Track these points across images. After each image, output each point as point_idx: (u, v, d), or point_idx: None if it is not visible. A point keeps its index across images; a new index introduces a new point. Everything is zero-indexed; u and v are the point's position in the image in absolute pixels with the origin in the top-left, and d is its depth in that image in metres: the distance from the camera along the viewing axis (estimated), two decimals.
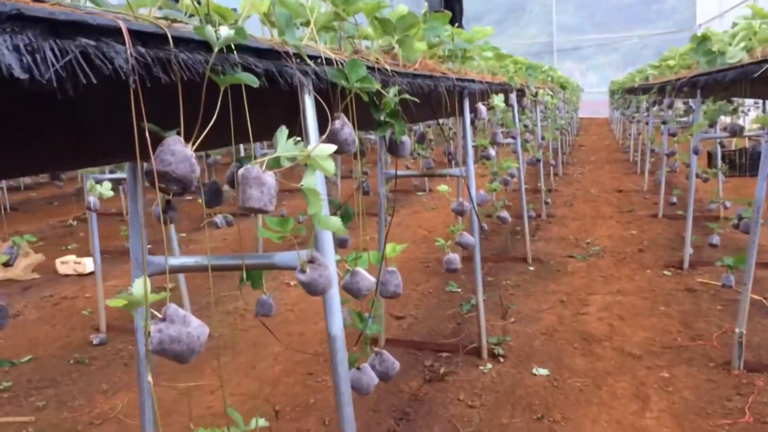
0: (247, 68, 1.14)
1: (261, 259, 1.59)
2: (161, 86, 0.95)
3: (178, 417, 3.16)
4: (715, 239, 4.67)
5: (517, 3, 24.32)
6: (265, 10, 1.43)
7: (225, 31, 1.03)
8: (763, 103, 5.75)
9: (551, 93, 8.50)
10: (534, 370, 3.45)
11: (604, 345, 3.77)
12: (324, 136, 1.31)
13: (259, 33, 1.41)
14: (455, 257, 2.95)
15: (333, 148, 1.29)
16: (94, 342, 4.16)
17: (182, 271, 1.57)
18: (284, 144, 1.25)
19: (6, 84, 0.68)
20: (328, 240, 1.54)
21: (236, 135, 1.35)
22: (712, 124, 4.76)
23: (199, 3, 1.10)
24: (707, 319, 4.09)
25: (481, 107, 3.60)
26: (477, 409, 3.08)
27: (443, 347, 3.82)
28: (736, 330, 3.30)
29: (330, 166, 1.28)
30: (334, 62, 1.53)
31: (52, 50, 0.74)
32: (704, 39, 3.91)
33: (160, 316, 0.94)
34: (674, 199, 7.06)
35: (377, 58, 1.94)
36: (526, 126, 6.81)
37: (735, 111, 4.66)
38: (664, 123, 6.86)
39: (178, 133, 0.99)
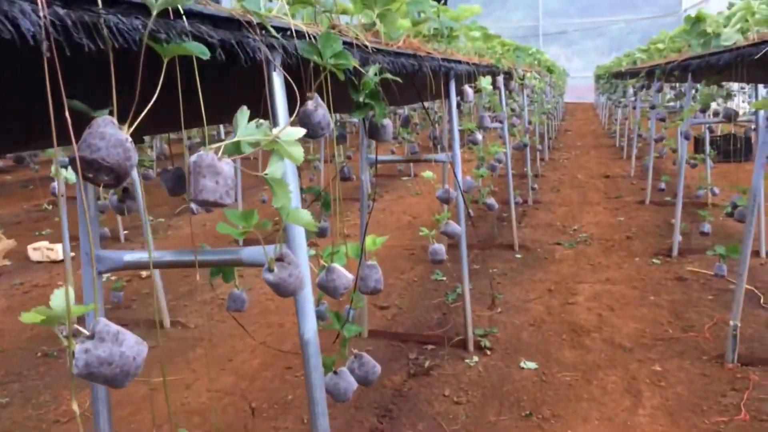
0: (198, 38, 0.98)
1: (226, 255, 1.43)
2: (93, 57, 0.79)
3: (148, 414, 3.01)
4: (707, 227, 4.57)
5: None
6: None
7: None
8: (756, 88, 5.64)
9: (538, 76, 8.35)
10: (522, 364, 3.33)
11: (594, 337, 3.65)
12: (292, 118, 1.14)
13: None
14: (441, 248, 2.80)
15: (301, 131, 1.13)
16: (64, 333, 3.97)
17: (138, 268, 1.41)
18: (245, 127, 1.09)
19: None
20: (299, 234, 1.39)
21: (194, 118, 1.20)
22: (705, 109, 4.63)
23: None
24: (698, 309, 3.99)
25: (468, 89, 3.44)
26: (463, 406, 2.95)
27: (428, 339, 3.69)
28: (731, 323, 3.19)
29: (298, 152, 1.12)
30: (306, 36, 1.37)
31: None
32: (698, 20, 3.77)
33: (86, 333, 0.78)
34: (663, 186, 6.96)
35: (356, 35, 1.78)
36: (513, 110, 6.66)
37: (729, 95, 4.53)
38: (652, 108, 6.73)
39: (111, 114, 0.83)
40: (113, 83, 0.81)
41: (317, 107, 1.40)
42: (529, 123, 7.91)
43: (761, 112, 4.16)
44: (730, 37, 3.38)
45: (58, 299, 0.76)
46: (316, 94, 1.43)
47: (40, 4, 0.70)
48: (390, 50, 1.99)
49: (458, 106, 5.03)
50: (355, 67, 1.70)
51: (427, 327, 3.91)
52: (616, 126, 13.27)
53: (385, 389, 3.12)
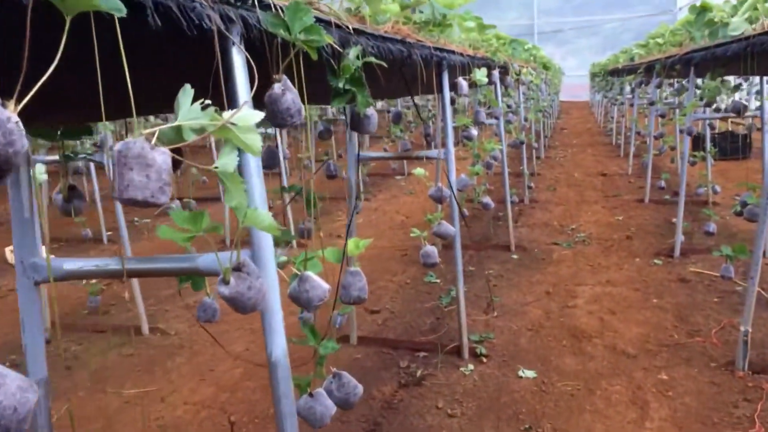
0: None
1: (180, 263, 1.23)
2: None
3: (121, 428, 2.81)
4: (712, 227, 4.38)
5: None
6: None
7: None
8: (761, 80, 5.43)
9: (534, 72, 8.17)
10: (520, 372, 3.14)
11: (595, 342, 3.46)
12: (244, 103, 0.94)
13: None
14: (433, 250, 2.61)
15: (257, 115, 0.93)
16: None
17: (80, 278, 1.21)
18: (188, 109, 0.90)
19: None
20: (266, 239, 1.19)
21: (139, 103, 1.00)
22: (710, 104, 4.43)
23: None
24: (704, 313, 3.80)
25: (462, 82, 3.24)
26: (457, 419, 2.75)
27: (421, 346, 3.49)
28: (741, 328, 3.00)
29: (254, 141, 0.93)
30: (272, 7, 1.17)
31: None
32: (704, 9, 3.59)
33: None
34: (663, 184, 6.78)
35: (337, 14, 1.58)
36: (509, 106, 6.47)
37: (737, 88, 4.33)
38: (651, 104, 6.55)
39: None
40: None
41: (285, 92, 1.20)
42: (526, 120, 7.72)
43: None
44: (739, 26, 3.19)
45: None
46: (284, 77, 1.24)
47: None
48: (375, 33, 1.80)
49: (453, 102, 4.84)
50: (334, 50, 1.51)
51: (419, 332, 3.71)
52: (613, 124, 13.09)
53: (373, 401, 2.92)
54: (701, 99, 4.82)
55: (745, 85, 7.66)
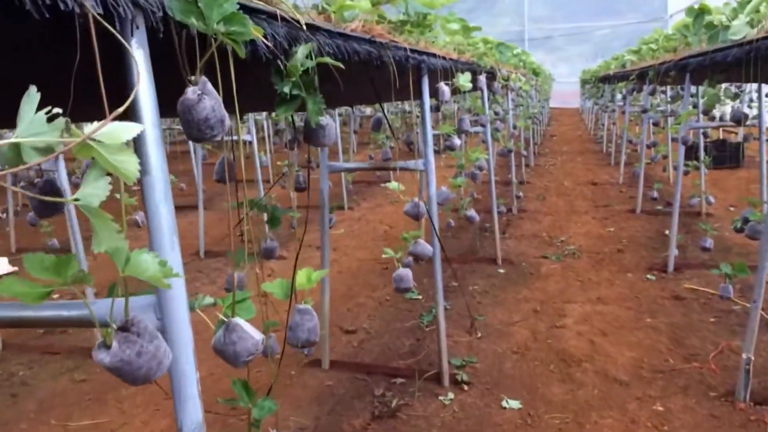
0: None
1: (69, 311, 0.98)
2: None
3: None
4: (708, 242, 4.16)
5: None
6: None
7: None
8: (759, 88, 5.24)
9: (523, 78, 7.96)
10: (504, 403, 2.89)
11: (585, 368, 3.23)
12: (113, 115, 0.68)
13: None
14: (407, 273, 2.36)
15: (133, 128, 0.69)
16: None
17: None
18: (31, 120, 0.65)
19: None
20: (176, 282, 0.94)
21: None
22: (708, 111, 4.22)
23: None
24: (700, 335, 3.58)
25: (444, 88, 3.00)
26: None
27: (398, 371, 3.24)
28: (743, 356, 2.77)
29: (127, 163, 0.68)
30: None
31: None
32: (702, 11, 3.37)
33: None
34: (655, 194, 6.58)
35: (287, 6, 1.34)
36: (496, 113, 6.25)
37: (737, 96, 4.12)
38: (644, 111, 6.34)
39: None
40: None
41: (202, 97, 0.96)
42: (515, 128, 7.50)
43: (767, 117, 3.77)
44: (740, 30, 2.97)
45: None
46: (204, 79, 0.99)
47: None
48: (334, 30, 1.56)
49: (437, 108, 4.60)
50: (284, 49, 1.27)
51: (397, 355, 3.46)
52: (603, 131, 12.92)
53: None
54: (694, 106, 4.62)
55: (744, 93, 7.49)
